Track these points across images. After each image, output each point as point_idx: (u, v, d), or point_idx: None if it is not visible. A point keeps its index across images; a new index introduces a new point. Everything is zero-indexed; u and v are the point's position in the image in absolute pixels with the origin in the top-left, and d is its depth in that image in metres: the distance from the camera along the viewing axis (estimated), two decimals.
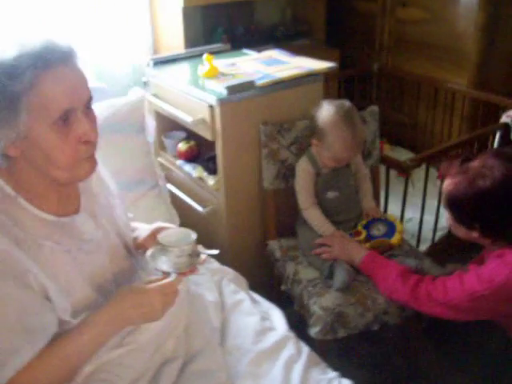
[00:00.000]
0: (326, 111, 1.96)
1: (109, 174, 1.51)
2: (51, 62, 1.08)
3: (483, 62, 3.10)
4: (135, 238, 1.50)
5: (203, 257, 1.35)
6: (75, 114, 1.12)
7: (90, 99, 1.18)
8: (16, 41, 1.08)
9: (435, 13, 3.17)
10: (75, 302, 1.22)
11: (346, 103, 1.98)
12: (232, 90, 1.99)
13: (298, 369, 1.52)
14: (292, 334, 1.65)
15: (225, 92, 1.99)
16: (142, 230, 1.52)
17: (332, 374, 1.54)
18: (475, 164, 1.61)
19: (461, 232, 1.72)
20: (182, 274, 1.29)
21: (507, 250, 1.60)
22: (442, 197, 1.73)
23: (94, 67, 2.64)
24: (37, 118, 1.08)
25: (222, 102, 1.99)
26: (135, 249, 1.49)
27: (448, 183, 1.68)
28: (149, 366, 1.37)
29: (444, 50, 3.20)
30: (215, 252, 1.40)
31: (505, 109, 2.84)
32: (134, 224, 1.58)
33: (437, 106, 3.34)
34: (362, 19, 3.61)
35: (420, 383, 2.18)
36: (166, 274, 1.28)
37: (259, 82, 2.06)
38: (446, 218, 1.77)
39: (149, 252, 1.32)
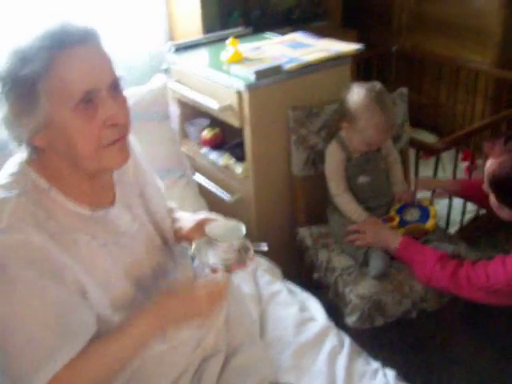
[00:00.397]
0: (357, 94, 1.90)
1: (146, 162, 1.43)
2: (66, 42, 1.02)
3: (507, 40, 3.03)
4: (178, 229, 1.41)
5: (252, 252, 1.26)
6: (99, 96, 1.05)
7: (115, 81, 1.10)
8: (31, 26, 1.03)
9: None
10: (114, 298, 1.17)
11: (377, 85, 1.92)
12: (260, 74, 1.94)
13: (341, 360, 1.49)
14: (332, 325, 1.62)
15: (253, 77, 1.94)
16: (186, 220, 1.41)
17: (375, 364, 1.51)
18: None
19: (504, 213, 1.67)
20: (229, 270, 1.21)
21: None
22: (484, 178, 1.68)
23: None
24: (57, 102, 1.02)
25: (250, 87, 1.94)
26: (178, 240, 1.42)
27: (491, 163, 1.62)
28: (191, 361, 1.32)
29: (465, 29, 3.13)
30: (265, 248, 1.33)
31: None
32: (177, 214, 1.49)
33: (458, 86, 3.28)
34: None
35: (454, 369, 2.14)
36: (213, 270, 1.20)
37: (287, 66, 2.00)
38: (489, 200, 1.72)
39: (194, 245, 1.25)
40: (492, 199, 1.68)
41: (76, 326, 1.07)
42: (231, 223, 1.30)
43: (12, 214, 1.02)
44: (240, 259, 1.22)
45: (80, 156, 1.08)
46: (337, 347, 1.52)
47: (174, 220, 1.45)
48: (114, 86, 1.09)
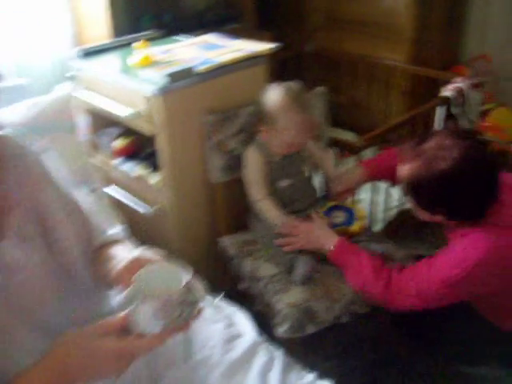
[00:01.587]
0: (274, 94, 1.83)
1: (64, 179, 1.26)
2: None
3: (418, 37, 3.08)
4: (109, 270, 1.16)
5: (200, 306, 1.00)
6: None
7: None
8: None
9: None
10: (13, 348, 1.03)
11: (295, 85, 1.86)
12: (172, 77, 1.82)
13: (274, 377, 1.40)
14: (262, 339, 1.53)
15: (164, 80, 1.82)
16: (120, 259, 1.15)
17: (310, 376, 1.44)
18: (430, 145, 1.52)
19: (425, 216, 1.63)
20: (165, 333, 0.96)
21: (470, 229, 1.54)
22: (400, 183, 1.64)
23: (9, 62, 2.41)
24: None
25: (162, 91, 1.82)
26: (109, 285, 1.19)
27: (405, 168, 1.57)
28: None
29: (378, 27, 3.16)
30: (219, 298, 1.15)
31: (444, 83, 2.81)
32: (113, 249, 1.25)
33: (374, 84, 3.30)
34: (292, 0, 3.51)
35: (389, 370, 2.12)
36: (139, 335, 0.96)
37: (200, 68, 1.91)
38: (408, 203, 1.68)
39: (124, 295, 1.02)
40: (411, 202, 1.65)
41: None
42: (170, 268, 1.03)
43: None
44: (180, 318, 0.96)
45: None
46: (268, 363, 1.43)
47: (105, 258, 1.23)
48: None
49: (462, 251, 1.52)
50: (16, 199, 1.12)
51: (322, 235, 1.83)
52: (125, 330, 0.97)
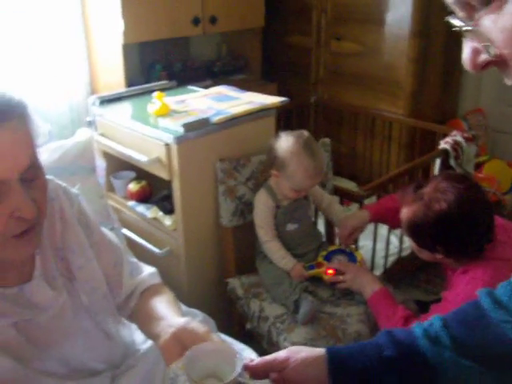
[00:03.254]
0: (286, 141, 1.95)
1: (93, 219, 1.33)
2: None
3: (416, 91, 3.22)
4: (156, 336, 1.15)
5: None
6: (8, 186, 0.93)
7: (32, 166, 0.98)
8: None
9: (368, 46, 3.27)
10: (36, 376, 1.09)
11: (305, 133, 1.98)
12: (188, 127, 1.96)
13: None
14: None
15: (181, 130, 1.96)
16: (166, 324, 1.15)
17: None
18: (428, 189, 1.66)
19: (425, 255, 1.76)
20: None
21: (470, 266, 1.65)
22: (402, 225, 1.76)
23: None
24: None
25: (179, 140, 1.95)
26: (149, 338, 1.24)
27: (406, 211, 1.71)
28: None
29: (378, 81, 3.30)
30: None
31: (442, 136, 2.95)
32: (162, 309, 1.25)
33: (374, 135, 3.43)
34: (297, 53, 3.67)
35: None
36: None
37: (215, 119, 2.04)
38: (409, 244, 1.79)
39: (171, 374, 0.99)
40: (411, 243, 1.77)
41: None
42: (222, 349, 1.00)
43: None
44: None
45: None
46: None
47: (147, 311, 1.27)
48: (30, 173, 0.98)
49: (465, 289, 1.62)
50: (45, 241, 1.17)
51: (368, 279, 1.93)
52: None
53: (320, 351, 0.99)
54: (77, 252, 1.22)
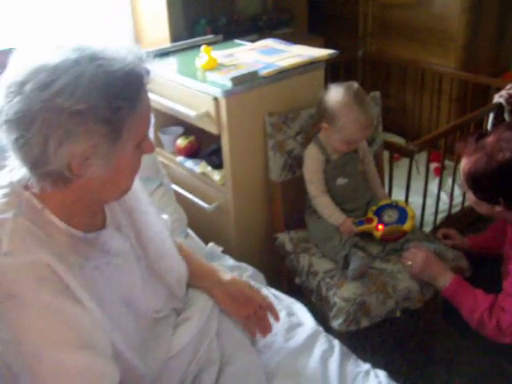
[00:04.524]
0: (336, 93, 1.92)
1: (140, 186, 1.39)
2: (145, 78, 1.03)
3: (469, 43, 3.11)
4: (208, 290, 1.45)
5: None
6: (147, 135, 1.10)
7: None
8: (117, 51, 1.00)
9: None
10: (114, 323, 1.11)
11: (355, 84, 1.94)
12: (237, 81, 1.93)
13: (333, 364, 1.49)
14: (321, 328, 1.62)
15: (229, 84, 1.93)
16: (217, 280, 1.46)
17: (365, 365, 1.52)
18: (490, 139, 1.61)
19: (483, 208, 1.72)
20: None
21: None
22: (460, 176, 1.72)
23: None
24: (132, 139, 1.03)
25: (228, 94, 1.93)
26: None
27: (466, 162, 1.67)
28: (186, 374, 1.30)
29: (429, 33, 3.20)
30: None
31: (496, 89, 2.85)
32: (207, 266, 1.52)
33: (424, 89, 3.34)
34: (344, 5, 3.58)
35: (435, 368, 2.17)
36: None
37: (263, 72, 2.00)
38: (466, 197, 1.75)
39: None
40: (470, 196, 1.73)
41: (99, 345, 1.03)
42: None
43: (13, 236, 0.97)
44: None
45: (117, 188, 1.09)
46: (327, 351, 1.52)
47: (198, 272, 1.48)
48: None
49: None
50: None
51: (438, 270, 1.84)
52: None
53: None
54: (137, 205, 1.31)
